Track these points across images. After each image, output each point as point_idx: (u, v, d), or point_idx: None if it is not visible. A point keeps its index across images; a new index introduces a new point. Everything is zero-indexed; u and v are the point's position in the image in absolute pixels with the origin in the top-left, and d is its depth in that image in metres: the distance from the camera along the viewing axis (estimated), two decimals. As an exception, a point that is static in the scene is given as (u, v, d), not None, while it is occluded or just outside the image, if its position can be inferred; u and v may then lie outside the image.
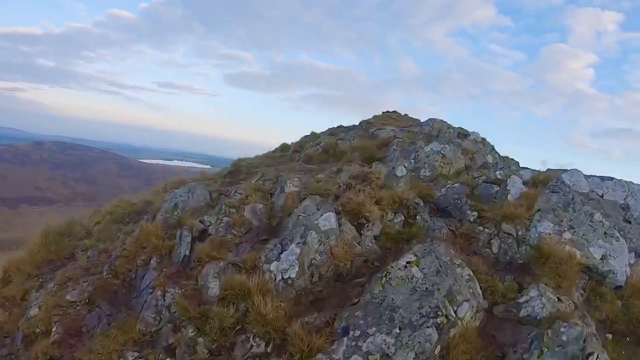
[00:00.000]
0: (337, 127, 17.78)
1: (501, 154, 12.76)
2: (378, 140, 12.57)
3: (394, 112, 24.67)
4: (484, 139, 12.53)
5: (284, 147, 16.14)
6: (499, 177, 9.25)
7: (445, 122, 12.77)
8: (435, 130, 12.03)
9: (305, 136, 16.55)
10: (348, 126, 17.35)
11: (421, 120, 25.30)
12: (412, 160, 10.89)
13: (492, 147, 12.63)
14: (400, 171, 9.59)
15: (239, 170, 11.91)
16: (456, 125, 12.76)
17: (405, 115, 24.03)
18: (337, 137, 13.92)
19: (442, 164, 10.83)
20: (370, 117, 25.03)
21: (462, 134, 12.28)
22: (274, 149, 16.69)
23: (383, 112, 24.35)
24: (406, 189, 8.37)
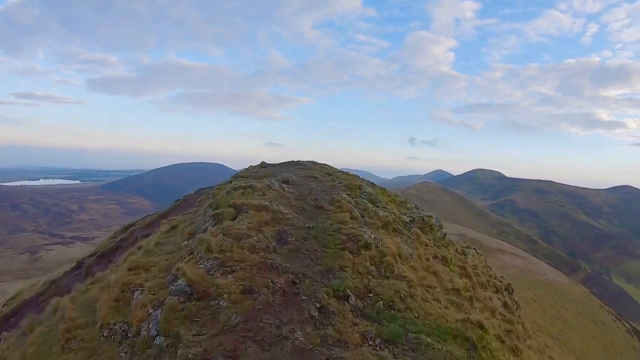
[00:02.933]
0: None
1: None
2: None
3: (262, 164, 20.58)
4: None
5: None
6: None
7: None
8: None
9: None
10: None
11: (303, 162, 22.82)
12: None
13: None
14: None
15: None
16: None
17: (281, 164, 20.90)
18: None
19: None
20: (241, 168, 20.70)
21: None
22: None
23: (250, 167, 20.36)
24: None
